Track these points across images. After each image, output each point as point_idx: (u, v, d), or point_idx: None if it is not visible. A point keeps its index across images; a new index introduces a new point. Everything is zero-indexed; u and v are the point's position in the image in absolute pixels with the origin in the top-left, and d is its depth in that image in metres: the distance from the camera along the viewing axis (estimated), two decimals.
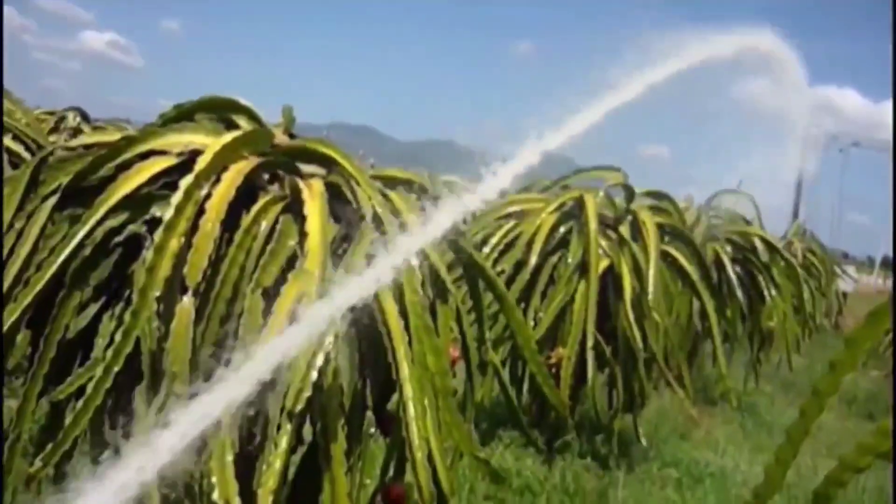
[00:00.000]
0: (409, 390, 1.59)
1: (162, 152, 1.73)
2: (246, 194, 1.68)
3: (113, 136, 1.81)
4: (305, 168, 1.83)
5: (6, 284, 1.64)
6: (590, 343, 3.92)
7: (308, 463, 1.66)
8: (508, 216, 4.22)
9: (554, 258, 4.14)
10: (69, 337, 1.68)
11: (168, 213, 1.55)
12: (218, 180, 1.63)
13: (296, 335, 0.99)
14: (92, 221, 1.64)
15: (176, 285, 1.54)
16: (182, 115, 1.83)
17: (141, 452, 0.85)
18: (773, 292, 5.91)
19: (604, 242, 4.11)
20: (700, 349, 5.61)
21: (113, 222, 1.65)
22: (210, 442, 1.39)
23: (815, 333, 8.33)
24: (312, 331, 1.00)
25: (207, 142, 1.69)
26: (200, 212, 1.59)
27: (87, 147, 1.82)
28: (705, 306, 4.46)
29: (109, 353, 1.51)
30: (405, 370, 1.60)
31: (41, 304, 1.64)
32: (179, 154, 1.72)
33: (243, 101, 1.89)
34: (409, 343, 1.62)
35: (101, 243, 1.66)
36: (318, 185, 1.74)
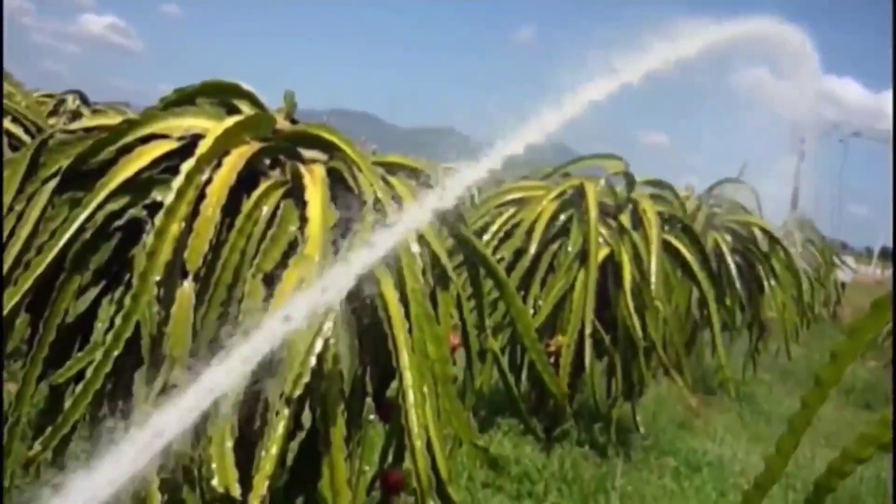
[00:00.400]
0: (408, 378, 1.59)
1: (163, 136, 1.72)
2: (247, 179, 1.68)
3: (113, 120, 1.80)
4: (307, 153, 1.83)
5: (6, 267, 1.64)
6: (588, 331, 3.93)
7: (307, 449, 1.67)
8: (508, 204, 4.22)
9: (554, 246, 4.13)
10: (69, 321, 1.67)
11: (169, 198, 1.54)
12: (219, 165, 1.63)
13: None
14: (92, 205, 1.63)
15: (176, 270, 1.54)
16: (183, 99, 1.83)
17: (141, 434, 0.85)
18: (773, 282, 5.91)
19: (604, 231, 4.11)
20: (699, 338, 5.61)
21: (113, 206, 1.65)
22: (210, 428, 1.39)
23: (813, 323, 8.35)
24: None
25: (209, 126, 1.69)
26: (201, 196, 1.58)
27: (88, 130, 1.81)
28: (705, 295, 4.45)
29: (109, 337, 1.51)
30: (405, 358, 1.60)
31: (41, 288, 1.64)
32: (181, 138, 1.71)
33: (245, 86, 1.88)
34: (410, 331, 1.62)
35: (101, 227, 1.65)
36: (319, 171, 1.73)
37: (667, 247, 4.26)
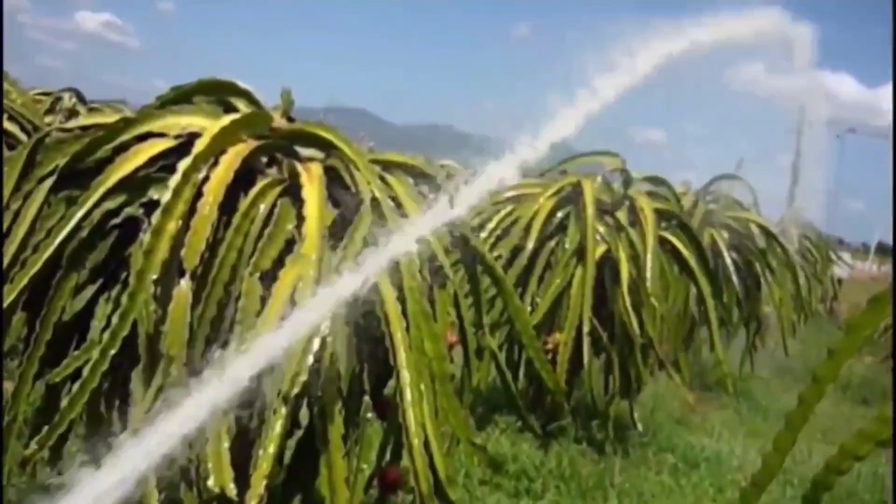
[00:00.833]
0: (406, 376, 1.59)
1: (160, 134, 1.72)
2: (244, 177, 1.67)
3: (109, 118, 1.80)
4: (304, 151, 1.83)
5: (3, 265, 1.64)
6: (586, 328, 3.93)
7: (304, 447, 1.66)
8: (506, 201, 4.21)
9: (551, 243, 4.13)
10: (65, 319, 1.67)
11: (166, 196, 1.54)
12: (216, 163, 1.62)
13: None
14: (89, 203, 1.63)
15: (173, 268, 1.54)
16: (180, 97, 1.82)
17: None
18: (769, 278, 5.91)
19: (601, 228, 4.10)
20: (696, 335, 5.61)
21: (110, 204, 1.65)
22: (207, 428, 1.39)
23: (810, 319, 8.35)
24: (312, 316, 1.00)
25: (206, 124, 1.68)
26: (198, 195, 1.58)
27: (84, 128, 1.81)
28: (702, 292, 4.45)
29: (106, 335, 1.51)
30: (402, 356, 1.60)
31: (37, 286, 1.64)
32: (177, 136, 1.71)
33: (242, 84, 1.87)
34: (407, 328, 1.62)
35: (98, 225, 1.65)
36: (316, 169, 1.73)
37: (664, 243, 4.26)
